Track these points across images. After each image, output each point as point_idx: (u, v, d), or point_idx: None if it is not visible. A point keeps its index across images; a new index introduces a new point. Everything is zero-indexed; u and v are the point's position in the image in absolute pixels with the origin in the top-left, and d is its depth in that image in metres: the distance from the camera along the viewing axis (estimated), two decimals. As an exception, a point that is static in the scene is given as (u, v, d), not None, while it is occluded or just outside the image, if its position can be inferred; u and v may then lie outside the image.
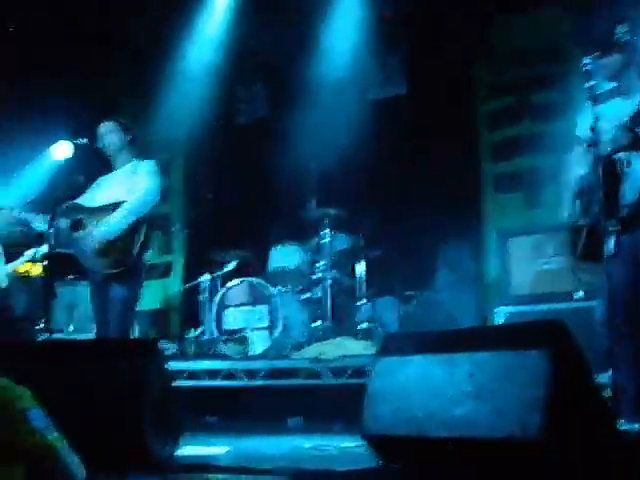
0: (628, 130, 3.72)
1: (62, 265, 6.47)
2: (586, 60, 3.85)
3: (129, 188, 5.39)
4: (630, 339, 3.93)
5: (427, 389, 3.11)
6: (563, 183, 4.30)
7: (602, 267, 3.93)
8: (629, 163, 3.92)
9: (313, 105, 7.80)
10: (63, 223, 5.35)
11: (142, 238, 5.29)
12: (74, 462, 2.57)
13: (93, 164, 5.65)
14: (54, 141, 6.58)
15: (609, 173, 3.80)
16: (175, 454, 3.67)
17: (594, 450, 2.92)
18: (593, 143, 3.71)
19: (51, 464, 2.51)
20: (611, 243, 3.87)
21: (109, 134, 5.52)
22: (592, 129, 3.78)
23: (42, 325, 7.21)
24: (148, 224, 5.36)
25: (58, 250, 5.46)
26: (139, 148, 5.69)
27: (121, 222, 5.24)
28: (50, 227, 5.30)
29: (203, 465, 3.38)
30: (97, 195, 5.54)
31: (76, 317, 7.67)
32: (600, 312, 4.03)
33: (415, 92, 8.20)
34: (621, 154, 3.91)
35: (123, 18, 7.94)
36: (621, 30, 4.00)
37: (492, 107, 7.80)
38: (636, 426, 3.78)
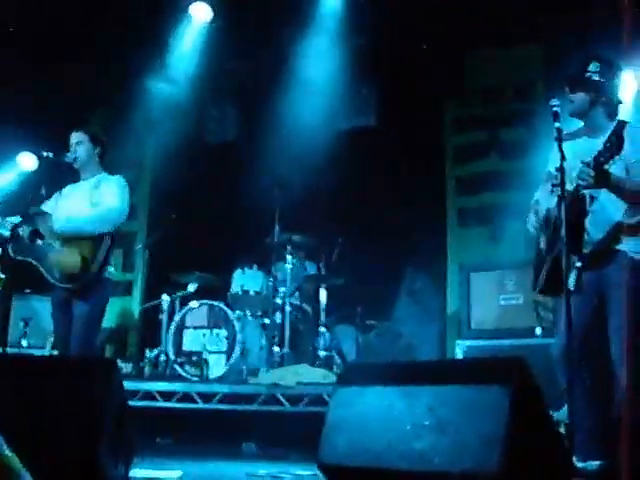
0: (592, 168, 3.77)
1: (19, 278, 6.35)
2: (553, 101, 3.90)
3: (93, 201, 5.35)
4: (585, 376, 3.97)
5: (386, 420, 3.10)
6: (530, 217, 4.33)
7: (561, 303, 3.95)
8: (593, 199, 3.97)
9: (282, 131, 7.86)
10: (23, 231, 5.27)
11: (104, 254, 5.23)
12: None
13: (58, 178, 5.59)
14: (21, 150, 6.54)
15: (573, 209, 3.85)
16: (128, 475, 3.61)
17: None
18: (558, 183, 3.75)
19: (2, 480, 2.47)
20: (572, 279, 3.92)
21: (78, 145, 5.48)
22: (557, 169, 3.83)
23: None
24: (111, 240, 5.30)
25: (18, 258, 5.35)
26: (107, 162, 5.65)
27: (80, 225, 5.19)
28: (12, 233, 5.20)
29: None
30: (60, 204, 5.47)
31: (31, 332, 7.55)
32: (556, 349, 4.05)
33: (384, 124, 8.29)
34: (586, 191, 3.96)
35: (94, 32, 7.90)
36: (593, 69, 4.07)
37: (460, 142, 7.90)
38: (591, 464, 3.81)
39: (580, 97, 4.11)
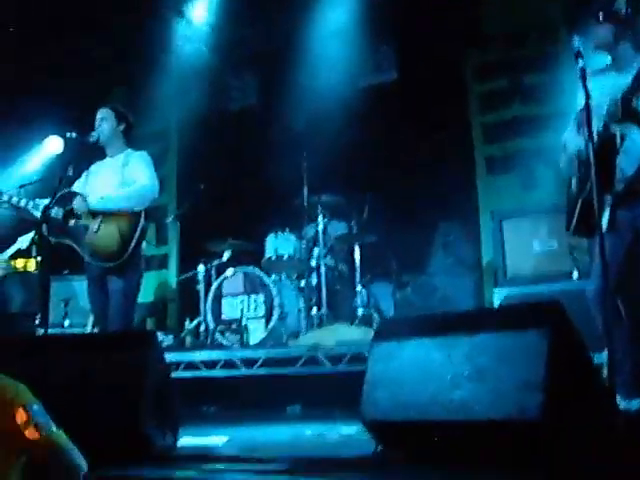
0: (621, 103, 3.70)
1: (57, 260, 6.43)
2: (575, 40, 3.82)
3: (123, 179, 5.39)
4: (623, 314, 3.93)
5: (425, 373, 3.11)
6: (562, 157, 4.26)
7: (595, 243, 3.90)
8: (624, 137, 3.90)
9: (303, 92, 7.79)
10: (56, 212, 5.32)
11: (140, 229, 5.28)
12: (75, 455, 2.57)
13: (84, 157, 5.62)
14: (46, 133, 6.57)
15: (604, 148, 3.79)
16: (176, 445, 3.66)
17: (593, 429, 2.93)
18: (585, 122, 3.69)
19: (53, 458, 2.51)
20: (605, 218, 3.86)
21: (102, 121, 5.50)
22: (582, 109, 3.77)
23: (38, 321, 7.18)
24: (145, 217, 5.34)
25: (53, 240, 5.41)
26: (132, 138, 5.67)
27: (114, 202, 5.24)
28: (44, 215, 5.25)
29: (203, 455, 3.38)
30: (89, 183, 5.52)
31: (72, 312, 7.65)
32: (592, 290, 4.01)
33: (406, 78, 8.20)
34: (617, 127, 3.89)
35: (112, 9, 7.89)
36: (620, 1, 3.97)
37: (483, 90, 7.79)
38: (634, 403, 3.79)
39: (606, 29, 4.00)
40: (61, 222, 5.33)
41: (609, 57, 4.14)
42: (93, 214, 5.30)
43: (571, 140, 4.17)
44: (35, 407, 2.54)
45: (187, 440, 3.92)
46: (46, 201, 5.23)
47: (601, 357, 3.93)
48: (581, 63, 3.79)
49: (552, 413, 2.70)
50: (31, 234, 5.48)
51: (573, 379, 2.90)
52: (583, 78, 3.76)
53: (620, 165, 3.90)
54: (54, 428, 2.56)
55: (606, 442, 2.93)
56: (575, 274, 5.84)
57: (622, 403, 3.72)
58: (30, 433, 2.46)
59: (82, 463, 2.58)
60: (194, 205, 7.62)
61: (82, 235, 5.30)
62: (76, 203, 5.30)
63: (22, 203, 5.35)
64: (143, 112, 8.02)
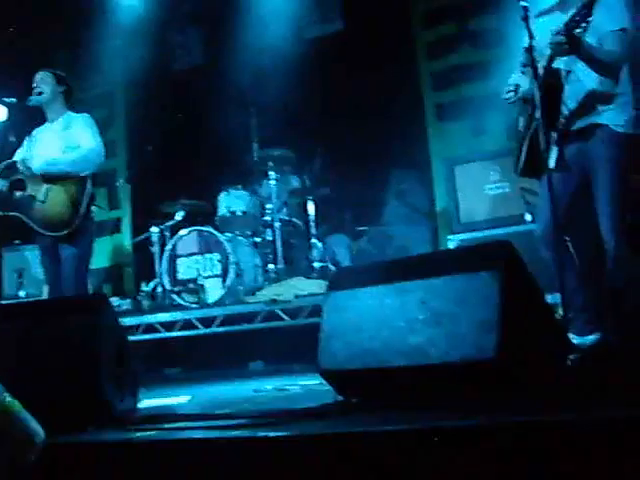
0: (563, 34, 3.70)
1: (7, 231, 6.32)
2: (519, -23, 3.81)
3: (65, 143, 5.29)
4: (572, 252, 3.97)
5: (380, 320, 3.10)
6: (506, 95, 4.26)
7: (543, 183, 3.93)
8: (568, 73, 3.91)
9: (249, 47, 7.68)
10: (1, 184, 5.23)
11: (89, 196, 5.21)
12: (31, 424, 2.54)
13: (25, 122, 5.50)
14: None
15: (549, 84, 3.79)
16: (136, 407, 3.65)
17: (548, 365, 2.97)
18: (529, 62, 3.69)
19: (7, 427, 2.48)
20: (553, 156, 3.88)
21: (41, 82, 5.37)
22: (526, 49, 3.77)
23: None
24: (92, 180, 5.26)
25: (0, 213, 5.32)
26: (77, 104, 5.56)
27: (62, 166, 5.15)
28: None
29: (164, 415, 3.37)
30: (33, 150, 5.41)
31: (26, 282, 7.56)
32: (540, 228, 4.04)
33: (352, 27, 8.10)
34: (561, 62, 3.89)
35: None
36: None
37: (430, 36, 7.73)
38: (587, 339, 3.85)
39: None
40: (7, 194, 5.24)
41: None
42: (38, 183, 5.20)
43: (519, 81, 4.17)
44: (-14, 376, 2.50)
45: (149, 402, 3.91)
46: None
47: (555, 298, 3.99)
48: (523, 2, 3.78)
49: (507, 351, 2.72)
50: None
51: (527, 317, 2.92)
52: (526, 18, 3.76)
53: (565, 100, 3.91)
54: (8, 397, 2.53)
55: (560, 377, 2.98)
56: (528, 217, 5.88)
57: (575, 339, 3.78)
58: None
59: (39, 431, 2.55)
60: (144, 167, 7.54)
61: (29, 206, 5.20)
62: (20, 165, 5.19)
63: None
64: (86, 75, 7.88)
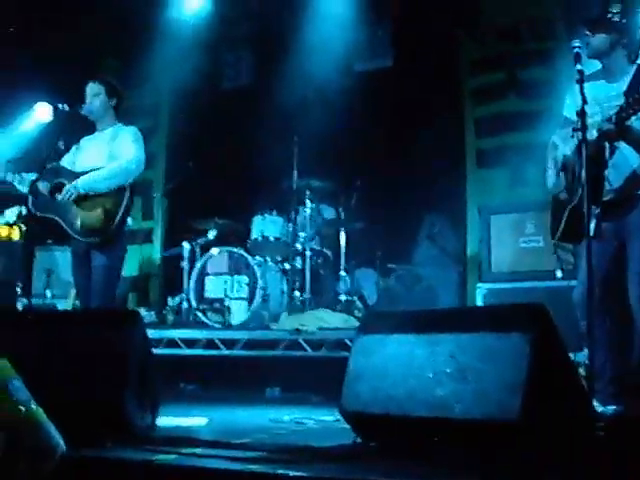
0: (613, 123, 3.72)
1: (41, 230, 6.40)
2: (575, 42, 3.84)
3: (111, 153, 5.37)
4: (605, 322, 3.96)
5: (408, 368, 3.12)
6: (548, 161, 4.29)
7: (581, 248, 3.95)
8: (614, 150, 3.92)
9: (298, 75, 7.76)
10: (43, 186, 5.30)
11: (125, 205, 5.27)
12: (54, 434, 2.57)
13: (75, 129, 5.58)
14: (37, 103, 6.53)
15: (593, 159, 3.80)
16: (155, 425, 3.67)
17: (570, 432, 2.96)
18: (579, 127, 3.71)
19: (31, 436, 2.51)
20: (592, 225, 3.89)
21: (94, 97, 5.46)
22: (577, 114, 3.78)
23: (20, 290, 7.17)
24: (130, 192, 5.33)
25: (38, 214, 5.39)
26: (123, 112, 5.64)
27: (102, 182, 5.22)
28: (31, 189, 5.24)
29: (183, 438, 3.38)
30: (78, 158, 5.50)
31: (54, 283, 7.64)
32: (578, 294, 4.05)
33: (401, 65, 8.17)
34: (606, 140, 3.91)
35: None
36: (614, 9, 3.98)
37: (478, 82, 7.78)
38: (609, 409, 3.83)
39: (600, 38, 4.02)
40: (48, 197, 5.31)
41: (600, 64, 4.16)
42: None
43: (562, 142, 4.18)
44: (15, 383, 2.54)
45: (166, 420, 3.93)
46: (32, 176, 5.22)
47: (579, 356, 3.99)
48: (579, 66, 3.81)
49: (531, 415, 2.72)
50: (17, 209, 5.45)
51: (553, 382, 2.92)
52: (581, 81, 3.78)
53: (608, 177, 3.92)
54: (34, 405, 2.57)
55: (584, 445, 2.97)
56: (558, 273, 5.87)
57: (599, 408, 3.76)
58: (10, 409, 2.47)
59: (60, 442, 2.59)
60: (182, 182, 7.61)
61: (67, 210, 5.28)
62: (66, 190, 5.26)
63: (8, 178, 5.32)
64: (134, 85, 7.99)
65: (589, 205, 3.65)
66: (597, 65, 4.18)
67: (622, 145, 3.90)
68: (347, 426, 3.36)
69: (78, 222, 5.24)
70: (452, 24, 7.72)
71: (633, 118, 3.72)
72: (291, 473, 2.58)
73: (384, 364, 3.22)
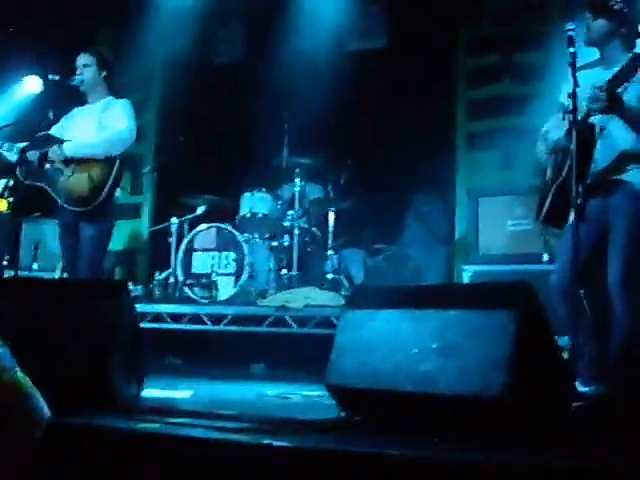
0: (604, 92, 3.72)
1: (29, 201, 6.38)
2: (569, 25, 3.84)
3: (101, 124, 5.36)
4: (586, 306, 3.99)
5: (393, 343, 3.14)
6: (539, 146, 4.30)
7: (564, 232, 3.99)
8: (603, 128, 3.93)
9: (290, 52, 7.72)
10: (32, 155, 5.29)
11: (114, 176, 5.26)
12: (39, 402, 2.57)
13: (66, 101, 5.56)
14: (26, 75, 6.47)
15: (583, 138, 3.81)
16: (140, 395, 3.68)
17: (553, 409, 2.99)
18: (570, 109, 3.71)
19: (16, 403, 2.51)
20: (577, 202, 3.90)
21: (85, 67, 5.43)
22: (569, 95, 3.79)
23: (7, 262, 7.14)
24: (120, 163, 5.31)
25: (27, 182, 5.37)
26: (115, 85, 5.62)
27: (89, 147, 5.22)
28: (20, 158, 5.23)
29: (167, 408, 3.40)
30: (67, 127, 5.48)
31: (41, 255, 7.62)
32: (555, 277, 4.06)
33: (395, 45, 8.13)
34: (596, 119, 3.92)
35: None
36: None
37: (473, 64, 7.76)
38: (590, 389, 3.87)
39: (599, 25, 4.01)
40: (36, 165, 5.30)
41: (597, 52, 4.16)
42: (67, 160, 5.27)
43: (553, 130, 4.19)
44: (1, 351, 2.54)
45: (151, 392, 3.95)
46: (21, 145, 5.20)
47: (562, 340, 4.01)
48: (572, 49, 3.81)
49: (515, 391, 2.75)
50: (4, 181, 5.43)
51: (537, 360, 2.94)
52: (573, 64, 3.78)
53: (595, 157, 3.93)
54: (19, 373, 2.56)
55: (564, 422, 3.01)
56: (545, 257, 5.89)
57: (580, 388, 3.80)
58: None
59: (45, 410, 2.58)
60: (172, 157, 7.58)
61: (56, 179, 5.27)
62: (52, 151, 5.25)
63: None
64: (126, 58, 7.92)
65: (577, 187, 3.66)
66: (594, 54, 4.18)
67: (610, 125, 3.91)
68: (332, 402, 3.38)
69: (67, 191, 5.23)
70: (450, 5, 7.67)
71: (623, 87, 3.72)
72: (275, 443, 2.59)
73: (371, 339, 3.24)
